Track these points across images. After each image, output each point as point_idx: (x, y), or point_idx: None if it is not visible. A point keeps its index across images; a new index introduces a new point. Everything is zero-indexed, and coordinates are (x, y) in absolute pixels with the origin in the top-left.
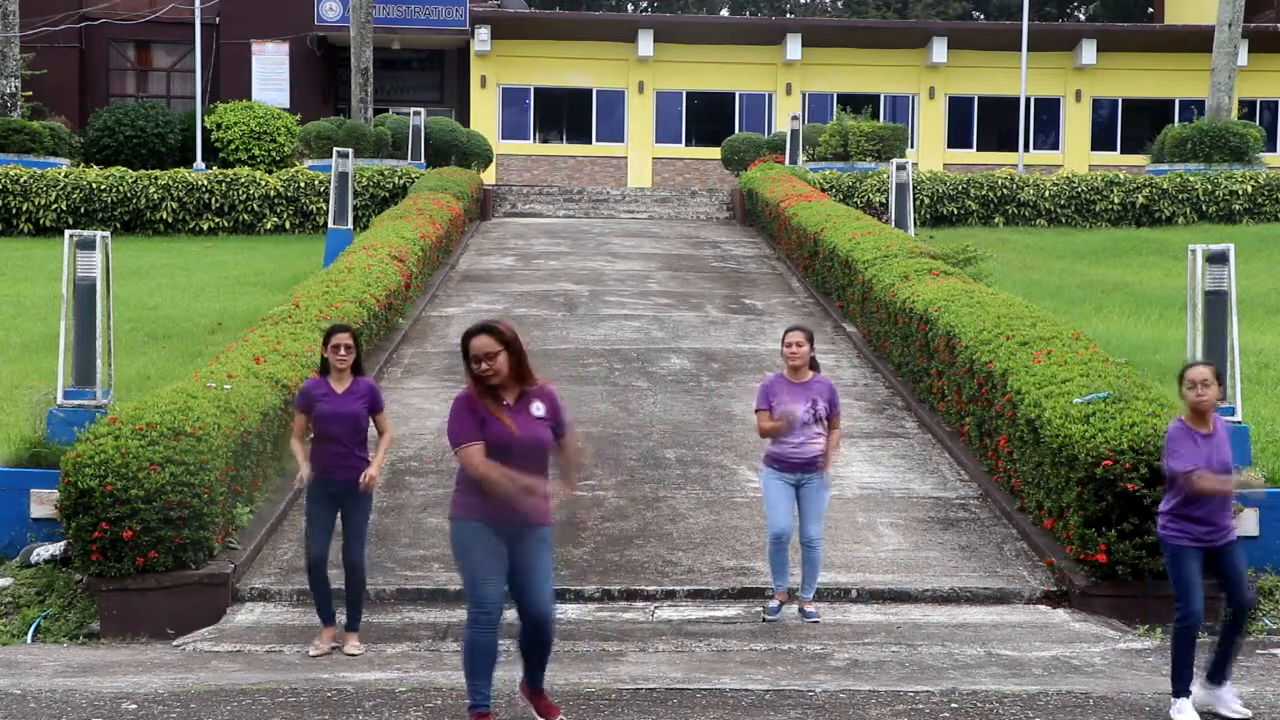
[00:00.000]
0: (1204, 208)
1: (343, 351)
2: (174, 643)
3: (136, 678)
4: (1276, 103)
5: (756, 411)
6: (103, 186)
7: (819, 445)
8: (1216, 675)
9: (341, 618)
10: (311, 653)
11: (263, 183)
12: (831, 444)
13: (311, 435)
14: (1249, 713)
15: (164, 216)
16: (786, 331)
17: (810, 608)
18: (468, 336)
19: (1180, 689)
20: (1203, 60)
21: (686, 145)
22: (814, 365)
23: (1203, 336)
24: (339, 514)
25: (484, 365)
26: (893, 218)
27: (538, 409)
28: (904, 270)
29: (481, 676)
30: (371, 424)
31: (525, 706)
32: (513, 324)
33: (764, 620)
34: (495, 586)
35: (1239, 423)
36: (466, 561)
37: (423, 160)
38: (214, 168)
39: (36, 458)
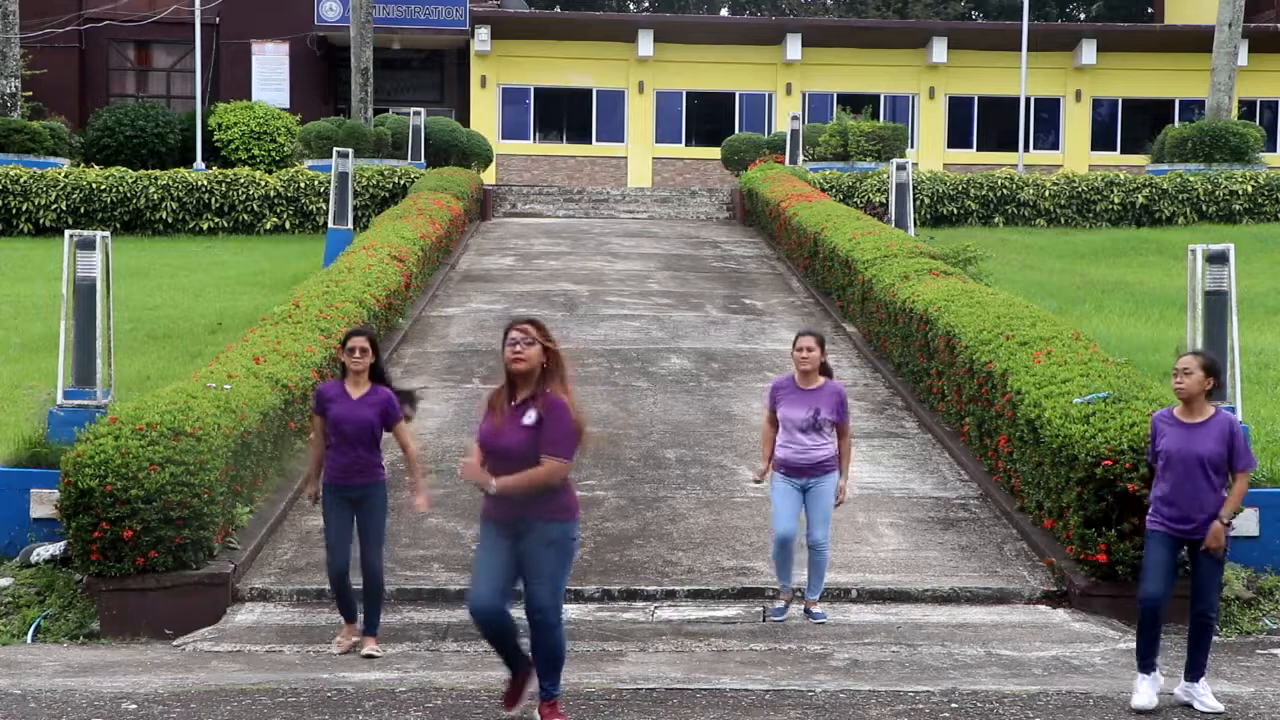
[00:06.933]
0: (1204, 208)
1: (358, 354)
2: (174, 643)
3: (136, 678)
4: (1276, 103)
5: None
6: (103, 186)
7: (824, 451)
8: (1190, 673)
9: (338, 617)
10: (334, 650)
11: (263, 183)
12: (842, 453)
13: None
14: (1220, 706)
15: (164, 216)
16: (798, 335)
17: (816, 609)
18: (509, 325)
19: (1139, 664)
20: (1203, 60)
21: (686, 145)
22: (826, 370)
23: (1203, 336)
24: (355, 518)
25: (518, 348)
26: (893, 218)
27: (529, 417)
28: (904, 270)
29: (501, 654)
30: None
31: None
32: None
33: (767, 620)
34: (485, 583)
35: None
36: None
37: (423, 160)
38: (214, 168)
39: (36, 458)
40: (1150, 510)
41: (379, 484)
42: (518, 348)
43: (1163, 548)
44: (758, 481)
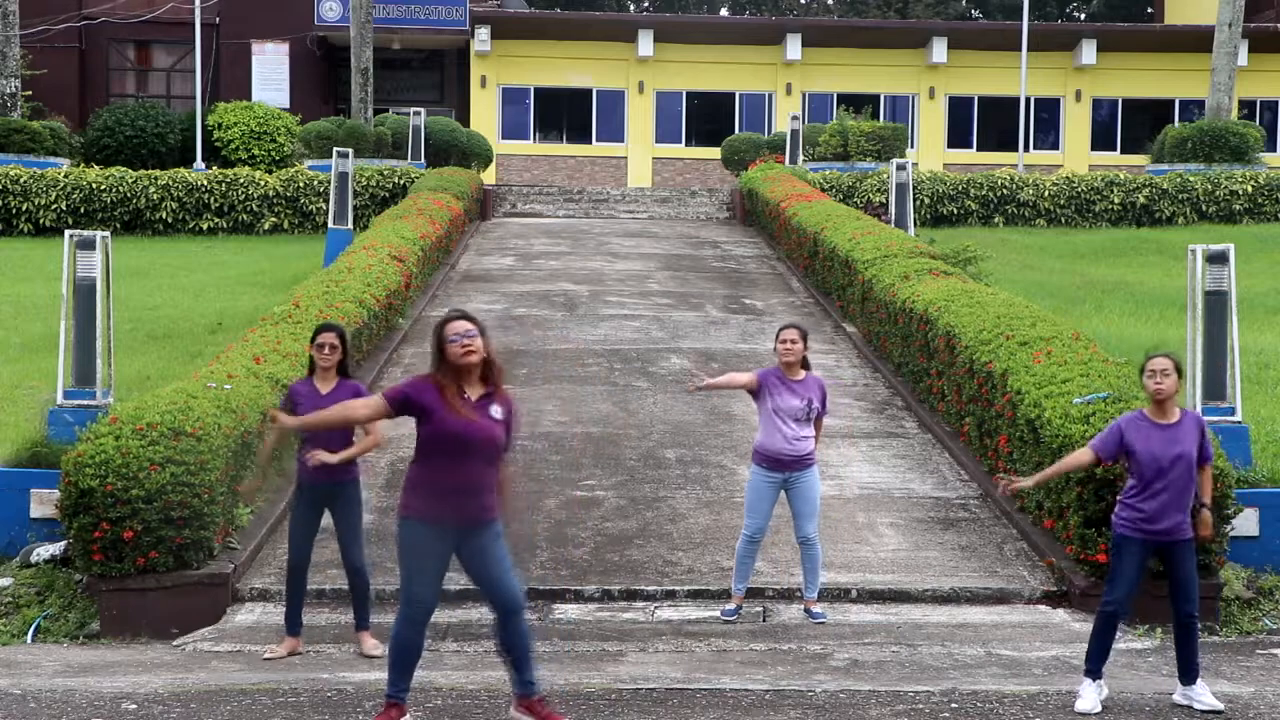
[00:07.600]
0: (1204, 208)
1: (327, 350)
2: (174, 643)
3: (136, 678)
4: (1276, 103)
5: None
6: (103, 186)
7: (809, 444)
8: (1185, 677)
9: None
10: (265, 655)
11: (262, 183)
12: (814, 438)
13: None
14: (1220, 705)
15: (164, 216)
16: (781, 328)
17: (816, 608)
18: (444, 322)
19: (1088, 669)
20: (1203, 60)
21: (686, 145)
22: (805, 363)
23: (1203, 336)
24: (325, 517)
25: (467, 340)
26: (893, 218)
27: (497, 411)
28: (904, 270)
29: (401, 670)
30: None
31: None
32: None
33: (721, 619)
34: (427, 587)
35: (1239, 423)
36: (403, 561)
37: (423, 160)
38: (214, 168)
39: (37, 458)
40: (1123, 515)
41: (351, 481)
42: (467, 340)
43: (1139, 556)
44: (691, 389)
